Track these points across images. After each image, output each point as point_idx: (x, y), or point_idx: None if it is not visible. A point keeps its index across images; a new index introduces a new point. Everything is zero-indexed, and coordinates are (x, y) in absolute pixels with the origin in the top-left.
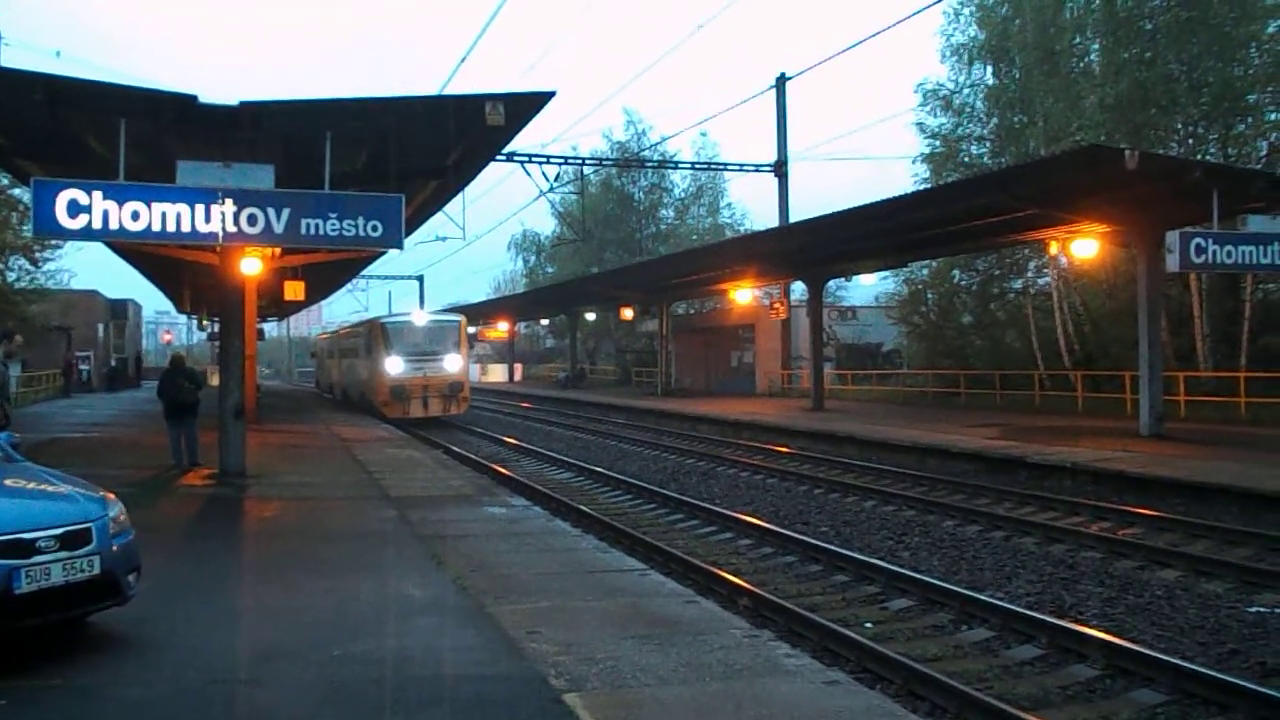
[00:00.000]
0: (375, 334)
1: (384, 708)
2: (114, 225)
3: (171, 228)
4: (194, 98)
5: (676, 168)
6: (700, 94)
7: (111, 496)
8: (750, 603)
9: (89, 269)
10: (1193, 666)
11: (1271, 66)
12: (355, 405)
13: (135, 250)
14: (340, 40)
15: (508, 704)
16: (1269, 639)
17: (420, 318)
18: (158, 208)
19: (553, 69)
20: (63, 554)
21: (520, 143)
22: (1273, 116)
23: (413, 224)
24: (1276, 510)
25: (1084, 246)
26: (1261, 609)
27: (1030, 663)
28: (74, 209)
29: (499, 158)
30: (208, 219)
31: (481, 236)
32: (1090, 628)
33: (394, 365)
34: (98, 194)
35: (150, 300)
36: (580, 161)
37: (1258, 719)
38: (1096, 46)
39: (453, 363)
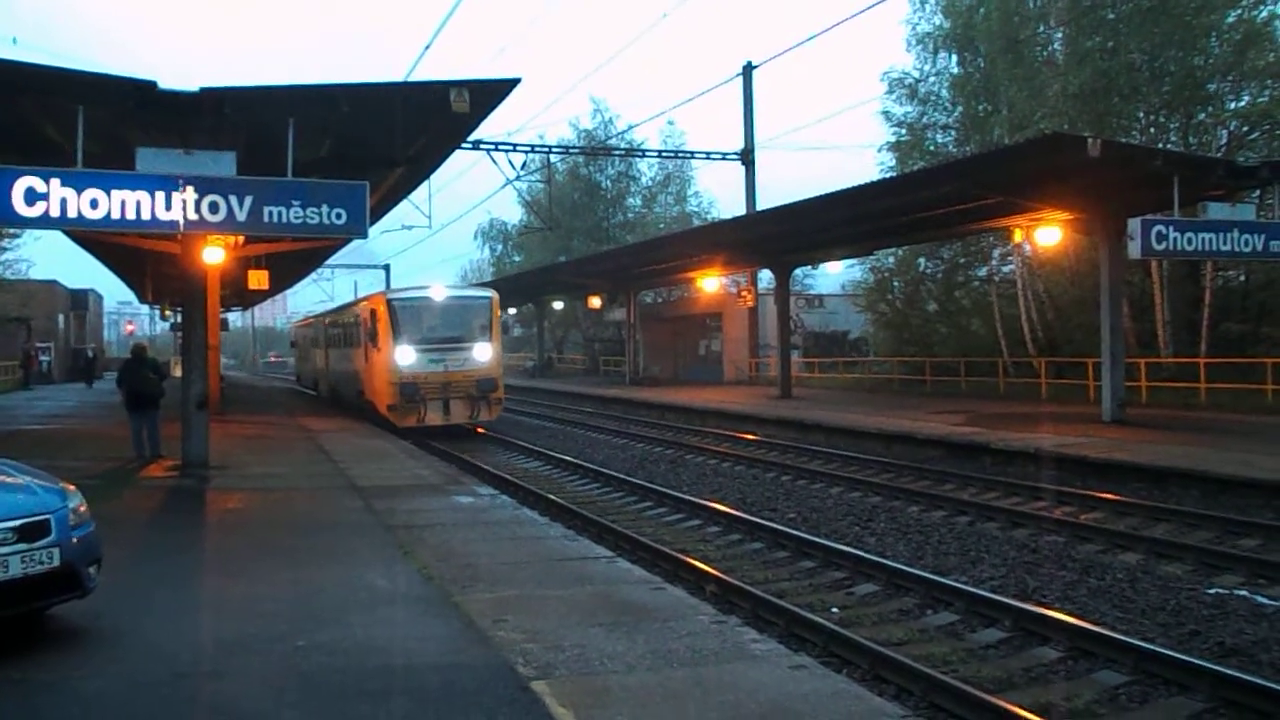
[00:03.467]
0: (378, 315)
1: (349, 698)
2: (72, 213)
3: (131, 215)
4: (154, 84)
5: (644, 156)
6: (667, 82)
7: (71, 488)
8: (717, 589)
9: (48, 259)
10: (1154, 647)
11: (1231, 55)
12: (349, 407)
13: (95, 239)
14: (302, 26)
15: (475, 693)
16: (1227, 620)
17: (439, 293)
18: (117, 195)
19: (518, 56)
20: (21, 546)
21: (486, 130)
22: (1233, 105)
23: (378, 212)
24: (1234, 494)
25: (1048, 234)
26: (1220, 590)
27: (994, 646)
28: (31, 197)
29: (465, 145)
30: (168, 207)
31: (448, 225)
32: (1053, 610)
33: (404, 356)
34: (55, 181)
35: (112, 291)
36: (547, 150)
37: (1217, 698)
38: (1060, 35)
39: (482, 353)
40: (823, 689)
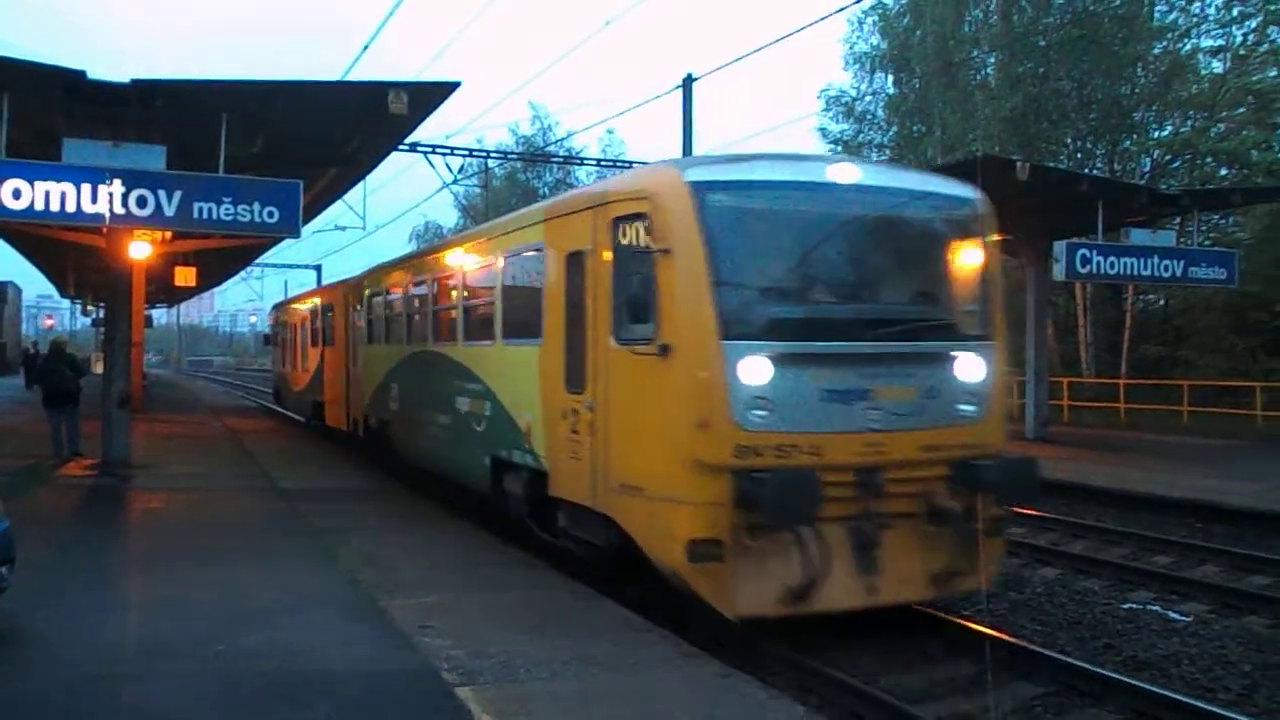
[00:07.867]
0: (657, 229)
1: (271, 703)
2: None
3: (56, 207)
4: (82, 73)
5: (582, 164)
6: (607, 91)
7: None
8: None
9: None
10: (1070, 660)
11: (1157, 86)
12: (471, 498)
13: (16, 230)
14: (237, 23)
15: (400, 699)
16: (1140, 634)
17: (847, 175)
18: (41, 186)
19: (458, 59)
20: None
21: (424, 133)
22: (1156, 134)
23: (311, 211)
24: (1151, 511)
25: None
26: (1134, 605)
27: (917, 658)
28: None
29: (402, 147)
30: (94, 199)
31: (383, 227)
32: (973, 623)
33: (753, 372)
34: None
35: (32, 283)
36: (485, 154)
37: (1129, 710)
38: (993, 60)
39: (973, 371)
40: (748, 698)
